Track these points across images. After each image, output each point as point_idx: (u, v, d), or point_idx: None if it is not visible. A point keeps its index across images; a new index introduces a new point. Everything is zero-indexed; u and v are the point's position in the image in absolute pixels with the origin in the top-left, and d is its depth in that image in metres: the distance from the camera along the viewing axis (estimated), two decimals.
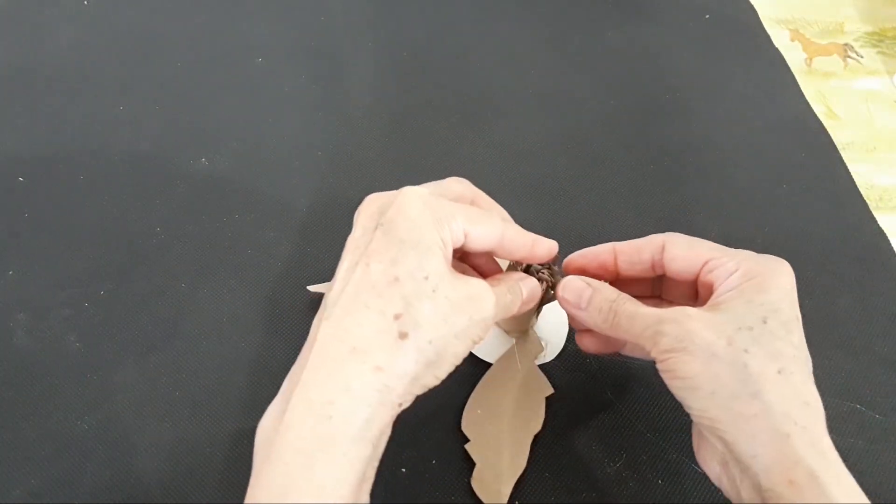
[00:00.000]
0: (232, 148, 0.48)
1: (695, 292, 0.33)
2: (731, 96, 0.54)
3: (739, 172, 0.49)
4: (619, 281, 0.34)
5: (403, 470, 0.35)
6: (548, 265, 0.34)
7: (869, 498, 0.25)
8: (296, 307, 0.40)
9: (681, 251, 0.31)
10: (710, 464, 0.28)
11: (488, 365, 0.37)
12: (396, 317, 0.26)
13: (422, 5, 0.59)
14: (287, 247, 0.43)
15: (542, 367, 0.38)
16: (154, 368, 0.38)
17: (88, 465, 0.35)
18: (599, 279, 0.33)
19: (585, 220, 0.46)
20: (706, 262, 0.30)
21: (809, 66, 1.45)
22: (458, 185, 0.32)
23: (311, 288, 0.40)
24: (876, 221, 0.46)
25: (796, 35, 1.50)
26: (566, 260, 0.35)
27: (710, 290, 0.30)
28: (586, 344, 0.35)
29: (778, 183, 0.48)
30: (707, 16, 0.60)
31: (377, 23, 0.58)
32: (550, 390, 0.37)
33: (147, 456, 0.35)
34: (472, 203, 0.32)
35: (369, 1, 0.59)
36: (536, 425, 0.35)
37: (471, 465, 0.34)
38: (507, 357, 0.37)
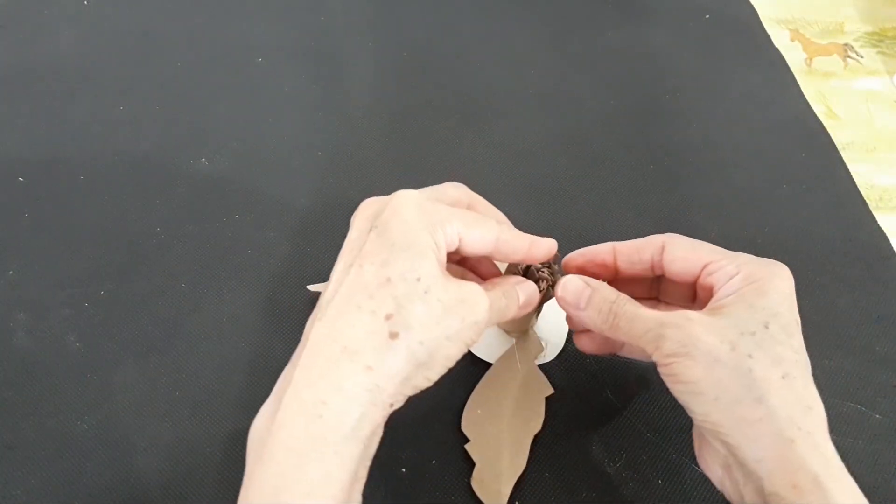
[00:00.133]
0: (232, 148, 0.48)
1: (693, 294, 0.33)
2: (731, 96, 0.54)
3: (739, 172, 0.49)
4: (617, 281, 0.34)
5: (403, 470, 0.35)
6: (547, 264, 0.34)
7: (869, 498, 0.25)
8: (296, 307, 0.41)
9: (681, 253, 0.31)
10: (713, 467, 0.29)
11: (488, 365, 0.37)
12: (387, 317, 0.26)
13: (422, 5, 0.59)
14: (287, 247, 0.43)
15: (542, 367, 0.38)
16: (154, 368, 0.38)
17: (88, 465, 0.35)
18: (598, 279, 0.33)
19: (585, 220, 0.46)
20: (706, 265, 0.30)
21: (809, 66, 1.45)
22: (454, 190, 0.32)
23: (311, 287, 0.41)
24: (876, 221, 0.46)
25: (796, 35, 1.50)
26: (565, 259, 0.35)
27: (709, 293, 0.30)
28: (584, 344, 0.35)
29: (778, 183, 0.48)
30: (707, 16, 0.60)
31: (377, 23, 0.58)
32: (550, 390, 0.37)
33: (147, 456, 0.35)
34: (469, 207, 0.32)
35: (369, 1, 0.59)
36: (536, 425, 0.36)
37: (471, 465, 0.34)
38: (507, 357, 0.37)
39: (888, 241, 0.45)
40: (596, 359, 0.39)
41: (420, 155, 0.49)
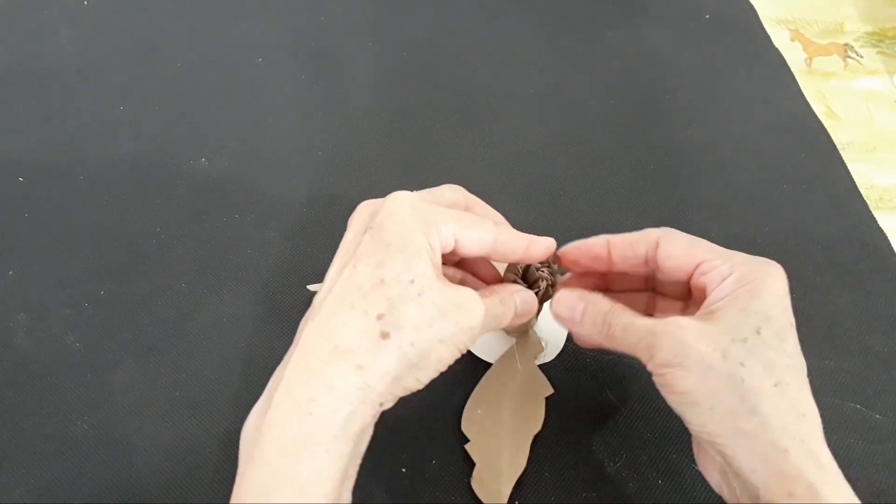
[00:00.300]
0: (232, 148, 0.48)
1: (688, 289, 0.32)
2: (731, 96, 0.54)
3: (739, 172, 0.49)
4: (612, 273, 0.34)
5: (403, 470, 0.35)
6: (547, 263, 0.34)
7: (869, 498, 0.26)
8: (296, 307, 0.41)
9: (675, 250, 0.31)
10: (710, 472, 0.29)
11: (488, 365, 0.37)
12: (379, 317, 0.26)
13: (422, 5, 0.59)
14: (287, 247, 0.43)
15: (542, 367, 0.38)
16: (154, 369, 0.38)
17: (88, 465, 0.35)
18: (593, 271, 0.32)
19: (585, 220, 0.46)
20: (700, 264, 0.30)
21: (809, 66, 1.45)
22: (452, 193, 0.32)
23: (312, 287, 0.41)
24: (876, 221, 0.46)
25: (796, 35, 1.50)
26: (560, 251, 0.34)
27: (702, 292, 0.30)
28: (584, 340, 0.34)
29: (778, 183, 0.48)
30: (707, 16, 0.60)
31: (377, 23, 0.58)
32: (550, 390, 0.37)
33: (147, 456, 0.35)
34: (467, 209, 0.32)
35: (369, 1, 0.59)
36: (536, 425, 0.36)
37: (471, 465, 0.34)
38: (507, 357, 0.37)
39: (888, 241, 0.45)
40: (596, 359, 0.39)
41: (420, 155, 0.49)
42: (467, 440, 0.35)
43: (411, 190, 0.30)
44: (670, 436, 0.36)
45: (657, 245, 0.31)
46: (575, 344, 0.36)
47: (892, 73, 1.44)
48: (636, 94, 0.54)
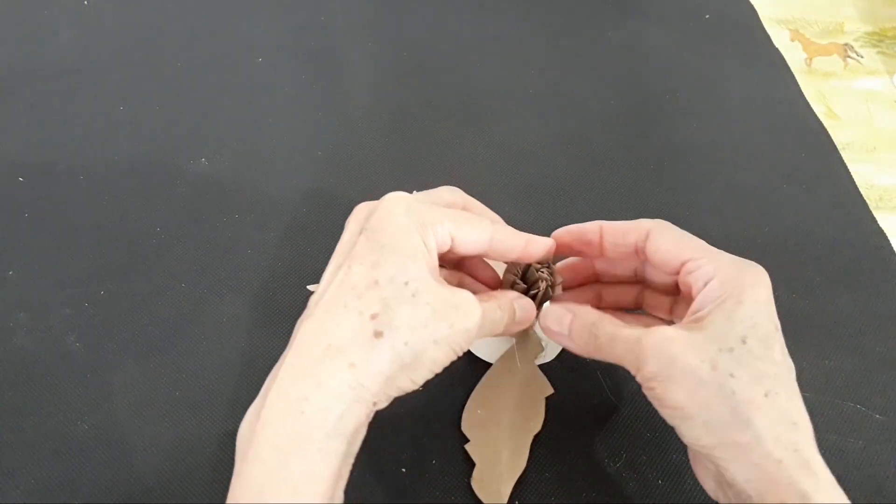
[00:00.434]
0: (232, 148, 0.48)
1: (676, 284, 0.32)
2: (731, 96, 0.54)
3: (739, 172, 0.49)
4: (603, 260, 0.34)
5: (403, 470, 0.35)
6: (547, 264, 0.34)
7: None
8: (296, 307, 0.40)
9: (664, 244, 0.30)
10: (706, 480, 0.29)
11: (488, 365, 0.37)
12: (373, 317, 0.26)
13: (422, 5, 0.59)
14: (287, 247, 0.43)
15: (542, 367, 0.38)
16: (154, 369, 0.38)
17: (88, 465, 0.35)
18: (584, 256, 0.32)
19: (585, 220, 0.45)
20: (686, 262, 0.30)
21: (809, 66, 1.45)
22: (449, 194, 0.32)
23: (311, 287, 0.41)
24: (876, 221, 0.46)
25: (796, 35, 1.50)
26: (554, 233, 0.34)
27: (688, 293, 0.30)
28: (575, 351, 0.34)
29: (778, 183, 0.48)
30: (707, 16, 0.60)
31: (377, 23, 0.58)
32: (550, 390, 0.37)
33: (147, 456, 0.35)
34: (464, 210, 0.32)
35: (369, 1, 0.59)
36: (536, 425, 0.36)
37: (471, 465, 0.34)
38: (507, 357, 0.37)
39: (888, 241, 0.45)
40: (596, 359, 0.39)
41: (420, 155, 0.49)
42: (467, 440, 0.35)
43: (411, 190, 0.30)
44: (670, 436, 0.36)
45: (647, 237, 0.31)
46: None
47: (892, 73, 1.44)
48: (636, 94, 0.54)
